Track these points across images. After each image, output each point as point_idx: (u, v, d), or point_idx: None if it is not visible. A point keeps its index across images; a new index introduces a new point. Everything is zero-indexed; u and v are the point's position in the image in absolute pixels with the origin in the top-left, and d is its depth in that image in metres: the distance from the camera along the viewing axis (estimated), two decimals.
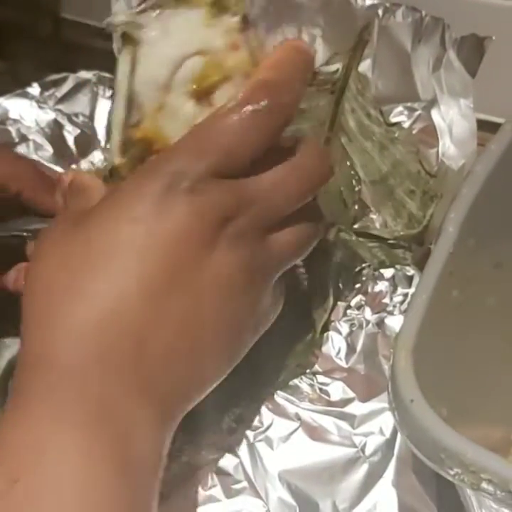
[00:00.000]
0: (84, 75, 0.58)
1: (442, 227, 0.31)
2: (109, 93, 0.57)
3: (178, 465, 0.38)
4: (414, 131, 0.48)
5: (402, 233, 0.44)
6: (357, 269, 0.44)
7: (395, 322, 0.42)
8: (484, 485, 0.25)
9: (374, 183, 0.47)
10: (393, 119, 0.48)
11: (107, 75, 0.57)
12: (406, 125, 0.48)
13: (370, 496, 0.37)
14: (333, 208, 0.50)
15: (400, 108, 0.49)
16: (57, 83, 0.58)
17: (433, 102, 0.48)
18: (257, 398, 0.39)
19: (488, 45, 0.44)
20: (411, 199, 0.45)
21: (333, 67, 0.50)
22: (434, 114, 0.48)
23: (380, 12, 0.48)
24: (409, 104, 0.49)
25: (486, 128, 0.47)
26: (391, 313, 0.42)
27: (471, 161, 0.44)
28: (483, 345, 0.33)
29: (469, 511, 0.33)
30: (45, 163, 0.55)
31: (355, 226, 0.47)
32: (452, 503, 0.36)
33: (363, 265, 0.44)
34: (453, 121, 0.47)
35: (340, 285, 0.44)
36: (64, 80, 0.58)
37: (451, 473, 0.26)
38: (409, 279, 0.44)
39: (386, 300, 0.43)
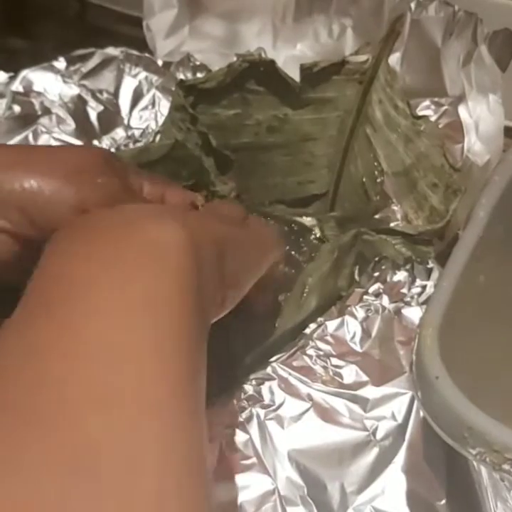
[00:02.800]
0: (112, 51, 0.58)
1: (473, 213, 0.31)
2: (135, 71, 0.57)
3: None
4: (439, 126, 0.48)
5: (427, 228, 0.44)
6: (376, 259, 0.44)
7: (411, 313, 0.42)
8: (506, 466, 0.25)
9: (397, 175, 0.47)
10: (420, 113, 0.48)
11: (134, 52, 0.57)
12: (433, 119, 0.48)
13: (379, 480, 0.37)
14: (355, 198, 0.50)
15: (426, 102, 0.49)
16: (83, 58, 0.58)
17: (461, 98, 0.48)
18: (269, 375, 0.39)
19: None
20: (434, 192, 0.45)
21: (362, 57, 0.50)
22: (461, 109, 0.48)
23: (412, 5, 0.49)
24: (436, 99, 0.49)
25: (508, 134, 0.47)
26: (408, 304, 0.42)
27: (497, 157, 0.45)
28: (507, 331, 0.33)
29: (482, 501, 0.33)
30: (67, 138, 0.55)
31: (376, 216, 0.47)
32: (462, 492, 0.36)
33: (382, 255, 0.44)
34: (480, 117, 0.47)
35: (358, 273, 0.44)
36: (91, 55, 0.58)
37: (474, 452, 0.26)
38: (428, 272, 0.44)
39: (404, 290, 0.43)
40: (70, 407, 0.21)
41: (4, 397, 0.21)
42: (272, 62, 0.49)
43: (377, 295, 0.42)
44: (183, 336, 0.25)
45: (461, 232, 0.32)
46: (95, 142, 0.55)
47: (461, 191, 0.44)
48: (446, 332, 0.28)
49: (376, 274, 0.44)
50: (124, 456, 0.21)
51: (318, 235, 0.49)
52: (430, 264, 0.44)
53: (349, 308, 0.42)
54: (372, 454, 0.37)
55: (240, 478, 0.36)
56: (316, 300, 0.42)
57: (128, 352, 0.23)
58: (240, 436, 0.38)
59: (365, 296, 0.42)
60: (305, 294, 0.42)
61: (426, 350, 0.27)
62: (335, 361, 0.40)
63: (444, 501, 0.36)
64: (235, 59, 0.50)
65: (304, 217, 0.50)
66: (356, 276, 0.45)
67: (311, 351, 0.40)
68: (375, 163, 0.49)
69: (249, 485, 0.36)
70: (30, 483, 0.19)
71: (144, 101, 0.56)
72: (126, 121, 0.56)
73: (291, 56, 0.54)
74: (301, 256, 0.48)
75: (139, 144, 0.54)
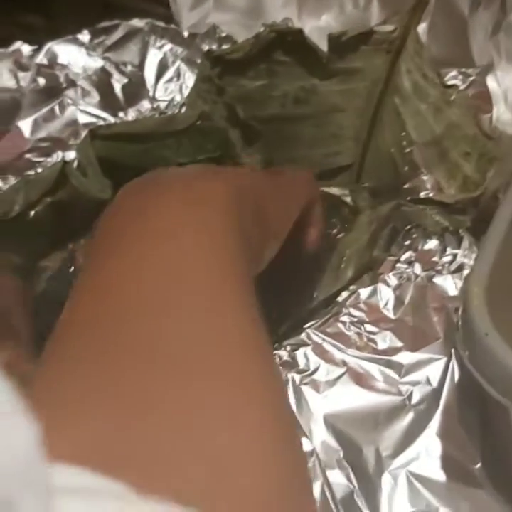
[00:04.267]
0: (137, 23, 0.57)
1: None
2: (160, 43, 0.57)
3: None
4: (469, 96, 0.48)
5: (465, 196, 0.44)
6: (407, 228, 0.44)
7: (443, 282, 0.42)
8: None
9: (427, 145, 0.47)
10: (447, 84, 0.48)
11: (160, 24, 0.57)
12: (461, 89, 0.48)
13: (414, 445, 0.37)
14: (383, 169, 0.50)
15: (454, 73, 0.49)
16: (108, 31, 0.58)
17: (488, 68, 0.48)
18: (303, 341, 0.40)
19: None
20: (466, 161, 0.45)
21: (390, 27, 0.50)
22: (489, 79, 0.48)
23: None
24: (463, 70, 0.49)
25: None
26: (440, 272, 0.43)
27: None
28: None
29: None
30: (92, 109, 0.55)
31: (405, 186, 0.47)
32: (497, 456, 0.36)
33: (413, 224, 0.44)
34: (509, 87, 0.47)
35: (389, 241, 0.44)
36: (115, 27, 0.58)
37: None
38: (459, 241, 0.44)
39: (435, 259, 0.43)
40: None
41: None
42: (300, 31, 0.49)
43: (410, 263, 0.43)
44: (233, 274, 0.26)
45: (501, 196, 0.32)
46: (121, 114, 0.55)
47: (497, 159, 0.44)
48: (493, 291, 0.28)
49: (407, 242, 0.44)
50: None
51: (351, 206, 0.48)
52: (461, 233, 0.44)
53: (382, 276, 0.42)
54: (407, 418, 0.38)
55: None
56: (352, 270, 0.42)
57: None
58: None
59: (397, 264, 0.43)
60: (343, 265, 0.42)
61: (474, 308, 0.27)
62: (369, 327, 0.40)
63: (479, 465, 0.36)
64: (261, 29, 0.50)
65: (333, 188, 0.50)
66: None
67: (344, 318, 0.41)
68: (404, 134, 0.49)
69: None
70: None
71: (169, 73, 0.56)
72: (151, 94, 0.56)
73: (316, 27, 0.54)
74: (334, 228, 0.48)
75: (166, 116, 0.54)
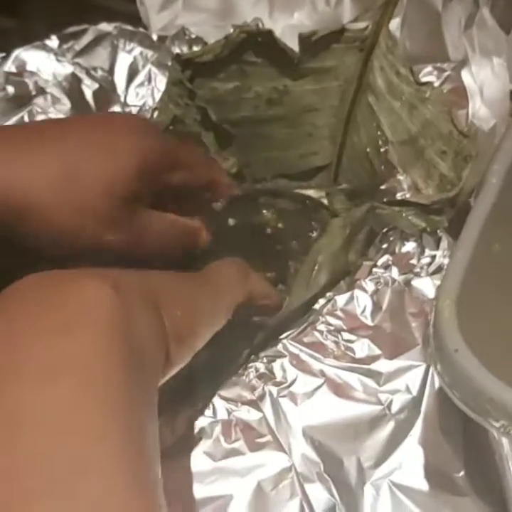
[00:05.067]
0: (105, 27, 0.56)
1: (484, 180, 0.30)
2: (129, 47, 0.56)
3: (201, 419, 0.37)
4: (444, 92, 0.47)
5: (441, 197, 0.43)
6: (384, 230, 0.43)
7: (422, 284, 0.41)
8: None
9: (402, 144, 0.47)
10: (422, 80, 0.47)
11: (128, 27, 0.56)
12: (436, 85, 0.47)
13: (396, 454, 0.36)
14: (359, 169, 0.49)
15: (428, 68, 0.48)
16: (76, 36, 0.57)
17: (463, 63, 0.47)
18: (280, 352, 0.39)
19: None
20: (442, 160, 0.44)
21: (361, 24, 0.49)
22: (464, 74, 0.47)
23: None
24: (438, 65, 0.48)
25: None
26: (418, 275, 0.42)
27: (504, 122, 0.44)
28: None
29: (503, 472, 0.33)
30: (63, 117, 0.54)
31: (382, 187, 0.46)
32: (480, 463, 0.36)
33: (390, 226, 0.44)
34: (484, 81, 0.46)
35: (366, 245, 0.44)
36: (83, 32, 0.57)
37: (497, 425, 0.25)
38: (437, 242, 0.43)
39: (413, 261, 0.42)
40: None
41: None
42: (270, 32, 0.48)
43: (387, 267, 0.42)
44: (118, 390, 0.24)
45: (473, 201, 0.32)
46: None
47: (472, 157, 0.43)
48: (464, 303, 0.27)
49: (384, 245, 0.43)
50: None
51: (329, 208, 0.48)
52: (439, 234, 0.43)
53: (358, 282, 0.41)
54: (388, 427, 0.37)
55: (256, 457, 0.36)
56: (326, 276, 0.41)
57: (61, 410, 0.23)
58: (253, 415, 0.37)
59: (374, 269, 0.42)
60: (315, 271, 0.41)
61: (444, 322, 0.26)
62: (346, 336, 0.40)
63: (462, 473, 0.36)
64: (231, 31, 0.49)
65: (310, 190, 0.49)
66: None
67: (321, 327, 0.40)
68: (379, 132, 0.48)
69: (265, 463, 0.36)
70: None
71: (140, 77, 0.55)
72: (122, 99, 0.55)
73: (288, 26, 0.53)
74: (313, 231, 0.48)
75: None
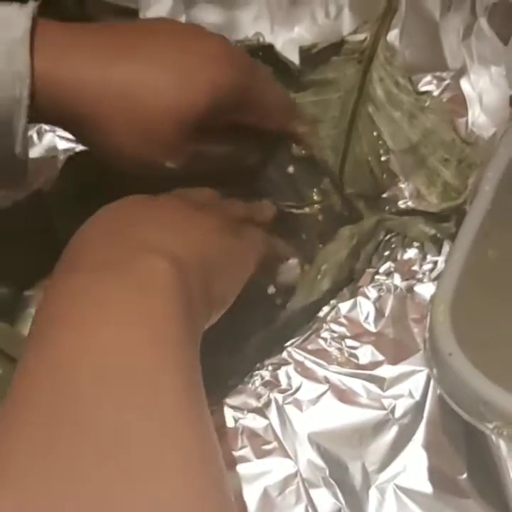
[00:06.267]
0: None
1: (479, 187, 0.31)
2: None
3: None
4: (443, 100, 0.47)
5: (449, 205, 0.43)
6: (387, 238, 0.44)
7: (424, 290, 0.42)
8: None
9: (404, 152, 0.47)
10: (422, 89, 0.48)
11: None
12: (435, 94, 0.48)
13: (400, 458, 0.37)
14: (361, 178, 0.50)
15: (428, 78, 0.49)
16: None
17: (462, 71, 0.48)
18: (284, 360, 0.40)
19: None
20: (445, 168, 0.45)
21: (360, 36, 0.50)
22: (463, 83, 0.48)
23: None
24: (437, 74, 0.49)
25: None
26: (420, 280, 0.42)
27: (503, 129, 0.44)
28: None
29: (502, 473, 0.33)
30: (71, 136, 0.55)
31: (384, 196, 0.47)
32: (483, 465, 0.36)
33: (392, 233, 0.44)
34: (483, 89, 0.47)
35: (371, 254, 0.44)
36: None
37: (491, 426, 0.26)
38: (439, 247, 0.43)
39: (415, 267, 0.43)
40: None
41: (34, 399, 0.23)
42: (271, 46, 0.49)
43: (389, 274, 0.43)
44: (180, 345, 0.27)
45: (468, 207, 0.32)
46: None
47: (477, 165, 0.43)
48: (458, 308, 0.28)
49: (386, 253, 0.44)
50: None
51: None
52: (440, 239, 0.44)
53: (361, 289, 0.42)
54: (392, 432, 0.38)
55: (262, 463, 0.37)
56: (328, 284, 0.42)
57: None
58: (259, 422, 0.38)
59: (376, 276, 0.42)
60: (319, 278, 0.42)
61: (438, 327, 0.27)
62: (350, 342, 0.40)
63: (465, 475, 0.36)
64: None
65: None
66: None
67: (325, 334, 0.41)
68: (380, 142, 0.49)
69: (271, 469, 0.37)
70: None
71: None
72: None
73: (289, 39, 0.54)
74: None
75: None
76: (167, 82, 0.35)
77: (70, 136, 0.54)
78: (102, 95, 0.34)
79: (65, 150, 0.52)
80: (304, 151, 0.45)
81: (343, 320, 0.41)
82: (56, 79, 0.34)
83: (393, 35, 0.49)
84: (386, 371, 0.39)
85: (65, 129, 0.39)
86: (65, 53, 0.34)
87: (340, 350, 0.40)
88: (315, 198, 0.46)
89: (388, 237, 0.44)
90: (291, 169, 0.45)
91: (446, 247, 0.43)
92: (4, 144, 0.34)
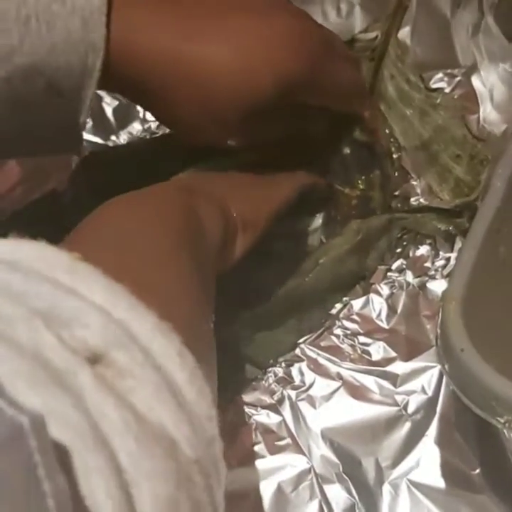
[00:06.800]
0: None
1: (490, 183, 0.31)
2: None
3: (222, 423, 0.38)
4: (454, 97, 0.48)
5: (463, 200, 0.43)
6: (398, 235, 0.44)
7: (437, 286, 0.42)
8: None
9: (415, 149, 0.47)
10: (433, 86, 0.48)
11: None
12: (446, 91, 0.48)
13: (413, 453, 0.37)
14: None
15: (439, 75, 0.49)
16: None
17: (473, 68, 0.48)
18: (297, 357, 0.40)
19: None
20: (457, 164, 0.45)
21: (371, 34, 0.50)
22: (475, 79, 0.48)
23: None
24: (449, 71, 0.49)
25: None
26: (433, 277, 0.43)
27: None
28: None
29: None
30: (85, 135, 0.55)
31: (396, 193, 0.47)
32: (495, 460, 0.36)
33: (405, 230, 0.44)
34: (494, 86, 0.47)
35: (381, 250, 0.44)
36: None
37: (502, 420, 0.26)
38: (452, 244, 0.44)
39: (428, 264, 0.43)
40: None
41: None
42: None
43: (401, 271, 0.43)
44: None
45: (479, 204, 0.32)
46: (113, 137, 0.56)
47: (489, 160, 0.43)
48: (470, 304, 0.28)
49: (398, 250, 0.44)
50: None
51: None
52: (453, 234, 0.44)
53: (373, 286, 0.42)
54: (405, 428, 0.38)
55: (276, 459, 0.37)
56: (328, 277, 0.42)
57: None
58: (273, 418, 0.38)
59: (388, 273, 0.43)
60: (316, 270, 0.41)
61: (450, 323, 0.27)
62: (362, 339, 0.40)
63: (478, 470, 0.36)
64: None
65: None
66: None
67: (338, 331, 0.41)
68: (392, 139, 0.49)
69: (285, 465, 0.37)
70: None
71: None
72: (141, 115, 0.56)
73: None
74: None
75: (155, 137, 0.54)
76: (233, 65, 0.34)
77: (84, 136, 0.55)
78: (172, 72, 0.34)
79: None
80: (364, 137, 0.44)
81: (355, 317, 0.41)
82: (129, 52, 0.34)
83: (404, 33, 0.50)
84: (399, 367, 0.39)
85: (132, 99, 0.41)
86: (139, 26, 0.34)
87: (352, 346, 0.40)
88: (360, 185, 0.46)
89: (400, 234, 0.44)
90: (347, 150, 0.45)
91: (458, 244, 0.44)
92: (70, 111, 0.35)
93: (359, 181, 0.45)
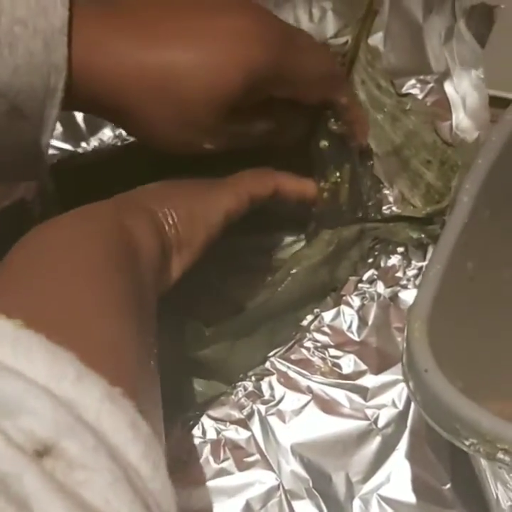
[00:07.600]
0: None
1: (457, 198, 0.31)
2: None
3: (190, 439, 0.38)
4: (427, 104, 0.47)
5: (434, 208, 0.43)
6: (370, 245, 0.44)
7: (408, 296, 0.42)
8: (500, 455, 0.25)
9: (387, 155, 0.47)
10: (406, 92, 0.48)
11: None
12: (419, 98, 0.47)
13: (384, 468, 0.37)
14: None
15: (412, 81, 0.49)
16: None
17: (445, 74, 0.48)
18: (267, 370, 0.40)
19: (498, 14, 0.44)
20: (428, 169, 0.45)
21: (342, 40, 0.50)
22: (447, 86, 0.48)
23: None
24: (421, 77, 0.49)
25: (496, 104, 0.46)
26: (405, 287, 0.42)
27: (485, 133, 0.44)
28: (497, 318, 0.33)
29: (484, 484, 0.33)
30: (55, 142, 0.55)
31: (369, 204, 0.46)
32: (466, 475, 0.36)
33: (376, 240, 0.44)
34: (466, 93, 0.46)
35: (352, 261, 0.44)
36: None
37: (467, 443, 0.26)
38: (424, 253, 0.43)
39: (399, 274, 0.43)
40: None
41: None
42: None
43: (372, 282, 0.42)
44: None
45: (446, 218, 0.32)
46: (83, 144, 0.55)
47: (459, 167, 0.43)
48: (436, 322, 0.28)
49: (370, 260, 0.43)
50: None
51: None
52: (425, 243, 0.43)
53: (344, 298, 0.42)
54: (375, 442, 0.37)
55: (244, 476, 0.37)
56: (299, 288, 0.41)
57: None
58: (242, 434, 0.38)
59: (359, 284, 0.42)
60: (287, 281, 0.41)
61: (415, 343, 0.27)
62: (333, 352, 0.40)
63: (449, 485, 0.36)
64: None
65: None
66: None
67: (308, 343, 0.40)
68: None
69: (253, 482, 0.36)
70: None
71: None
72: None
73: None
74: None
75: (126, 143, 0.54)
76: (199, 66, 0.34)
77: (54, 143, 0.54)
78: (138, 84, 0.34)
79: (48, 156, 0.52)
80: (338, 127, 0.43)
81: (326, 329, 0.41)
82: (92, 70, 0.33)
83: (377, 39, 0.49)
84: (369, 381, 0.39)
85: (102, 116, 0.40)
86: (100, 44, 0.34)
87: (323, 359, 0.40)
88: (332, 179, 0.44)
89: (372, 244, 0.44)
90: (324, 144, 0.44)
91: (430, 253, 0.43)
92: (33, 133, 0.34)
93: (334, 176, 0.45)
